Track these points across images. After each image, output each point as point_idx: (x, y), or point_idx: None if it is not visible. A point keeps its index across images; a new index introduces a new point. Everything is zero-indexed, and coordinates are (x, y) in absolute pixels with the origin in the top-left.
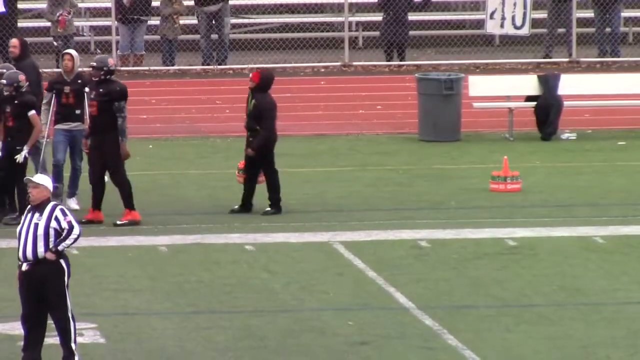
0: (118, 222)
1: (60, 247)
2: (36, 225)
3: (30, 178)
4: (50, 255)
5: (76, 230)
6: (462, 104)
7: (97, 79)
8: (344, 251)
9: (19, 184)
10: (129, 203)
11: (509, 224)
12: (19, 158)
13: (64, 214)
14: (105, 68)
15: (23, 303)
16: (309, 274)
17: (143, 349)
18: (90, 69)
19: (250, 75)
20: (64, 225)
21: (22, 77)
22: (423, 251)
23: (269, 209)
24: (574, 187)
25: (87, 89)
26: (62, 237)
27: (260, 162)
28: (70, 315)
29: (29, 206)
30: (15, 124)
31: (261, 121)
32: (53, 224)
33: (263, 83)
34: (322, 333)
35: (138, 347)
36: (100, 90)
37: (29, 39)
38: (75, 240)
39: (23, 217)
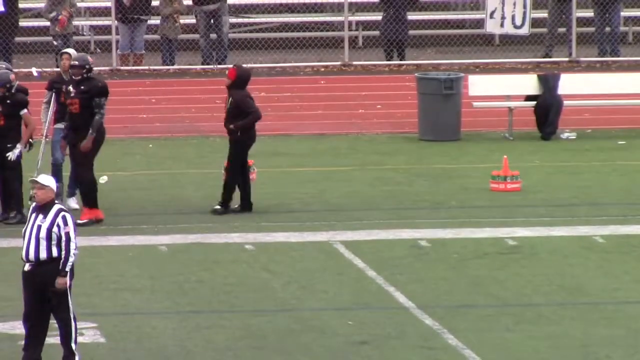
0: (79, 222)
1: (67, 269)
2: (39, 227)
3: (36, 179)
4: (61, 281)
5: (72, 245)
6: (462, 103)
7: (79, 77)
8: (344, 250)
9: (12, 183)
10: (87, 202)
11: (509, 223)
12: (12, 156)
13: (65, 223)
14: (87, 66)
15: (25, 302)
16: (309, 273)
17: (143, 349)
18: (71, 67)
19: (227, 73)
20: (62, 235)
21: (12, 76)
22: (423, 251)
23: (217, 207)
24: (574, 187)
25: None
26: (63, 259)
27: (245, 161)
28: (72, 315)
29: (33, 206)
30: (6, 123)
31: (244, 112)
32: (55, 229)
33: (239, 80)
34: (322, 332)
35: (138, 346)
36: (82, 87)
37: (29, 39)
38: (75, 255)
39: (28, 217)
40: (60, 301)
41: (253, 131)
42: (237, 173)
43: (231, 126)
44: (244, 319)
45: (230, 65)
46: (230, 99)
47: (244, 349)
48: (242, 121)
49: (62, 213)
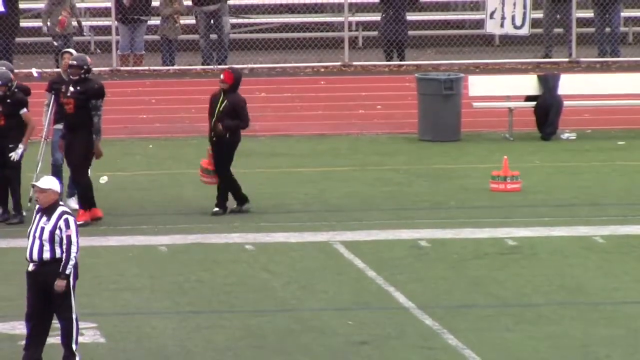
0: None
1: (67, 272)
2: (42, 229)
3: (36, 183)
4: (60, 284)
5: (73, 248)
6: (462, 103)
7: (76, 77)
8: (344, 251)
9: (13, 183)
10: (84, 204)
11: (509, 223)
12: (15, 156)
13: (67, 226)
14: (85, 66)
15: (28, 302)
16: (309, 273)
17: (143, 349)
18: (70, 67)
19: (222, 76)
20: (64, 238)
21: (13, 76)
22: (423, 251)
23: (216, 209)
24: (574, 187)
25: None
26: (63, 262)
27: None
28: (74, 316)
29: (38, 207)
30: (7, 122)
31: (237, 116)
32: (57, 231)
33: (236, 83)
34: (322, 333)
35: (138, 346)
36: (78, 88)
37: (29, 39)
38: (75, 258)
39: (33, 218)
40: (63, 301)
41: (239, 132)
42: (229, 169)
43: (219, 125)
44: (244, 319)
45: (231, 66)
46: (226, 102)
47: (244, 349)
48: (231, 122)
49: (65, 216)
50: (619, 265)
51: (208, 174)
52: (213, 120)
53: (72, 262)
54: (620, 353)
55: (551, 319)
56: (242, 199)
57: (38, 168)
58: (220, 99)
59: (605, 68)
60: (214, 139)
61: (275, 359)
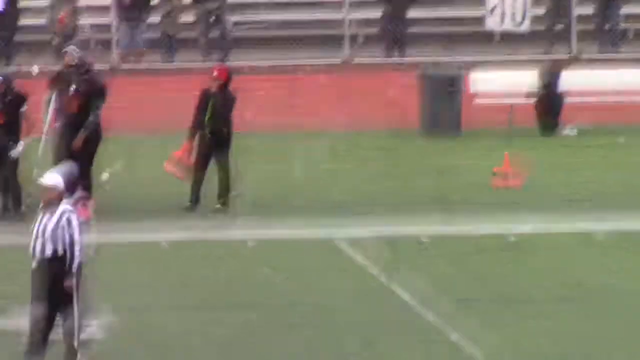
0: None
1: (74, 270)
2: (45, 226)
3: (40, 180)
4: (69, 283)
5: (77, 246)
6: (463, 100)
7: (77, 76)
8: (346, 247)
9: (13, 180)
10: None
11: (510, 219)
12: (14, 153)
13: (69, 224)
14: (85, 66)
15: (32, 298)
16: (311, 269)
17: (144, 344)
18: (70, 66)
19: (215, 73)
20: (66, 236)
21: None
22: (424, 246)
23: (218, 205)
24: (575, 183)
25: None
26: (68, 261)
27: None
28: (77, 313)
29: (41, 204)
30: (8, 120)
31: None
32: (59, 230)
33: (229, 79)
34: (324, 328)
35: (139, 342)
36: (81, 87)
37: (29, 37)
38: (79, 256)
39: (37, 215)
40: (67, 299)
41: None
42: (229, 163)
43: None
44: (245, 315)
45: (231, 62)
46: (219, 98)
47: (244, 344)
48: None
49: (67, 214)
50: (618, 261)
51: (177, 165)
52: (207, 117)
53: (77, 261)
54: (620, 349)
55: (551, 314)
56: (198, 199)
57: (38, 165)
58: (213, 95)
59: (606, 64)
60: (210, 135)
61: (276, 355)
